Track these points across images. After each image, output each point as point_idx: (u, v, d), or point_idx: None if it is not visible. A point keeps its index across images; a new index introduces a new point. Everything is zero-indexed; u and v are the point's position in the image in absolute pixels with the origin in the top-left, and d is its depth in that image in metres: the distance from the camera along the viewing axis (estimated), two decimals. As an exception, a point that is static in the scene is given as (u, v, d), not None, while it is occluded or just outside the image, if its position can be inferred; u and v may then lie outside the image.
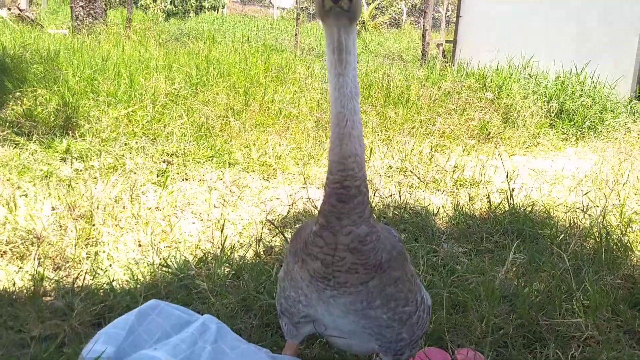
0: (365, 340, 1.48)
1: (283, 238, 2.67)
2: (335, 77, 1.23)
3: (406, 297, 1.42)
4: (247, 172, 3.87)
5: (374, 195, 3.33)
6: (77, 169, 3.39)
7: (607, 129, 5.75)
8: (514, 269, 2.43)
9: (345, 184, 1.26)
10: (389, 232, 1.45)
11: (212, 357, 1.53)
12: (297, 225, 2.95)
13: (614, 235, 2.52)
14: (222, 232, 2.57)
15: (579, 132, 5.66)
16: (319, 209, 1.32)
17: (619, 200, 3.03)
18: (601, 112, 5.93)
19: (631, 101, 6.60)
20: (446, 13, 13.53)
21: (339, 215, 1.27)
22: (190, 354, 1.52)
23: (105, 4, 10.90)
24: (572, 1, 8.18)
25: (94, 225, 2.57)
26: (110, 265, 2.36)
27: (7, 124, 3.82)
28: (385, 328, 1.42)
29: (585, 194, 3.02)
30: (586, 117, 5.76)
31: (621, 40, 7.40)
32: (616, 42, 7.48)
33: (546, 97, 6.03)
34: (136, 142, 3.80)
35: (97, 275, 2.23)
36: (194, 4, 14.79)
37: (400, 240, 1.45)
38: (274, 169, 3.95)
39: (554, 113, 5.79)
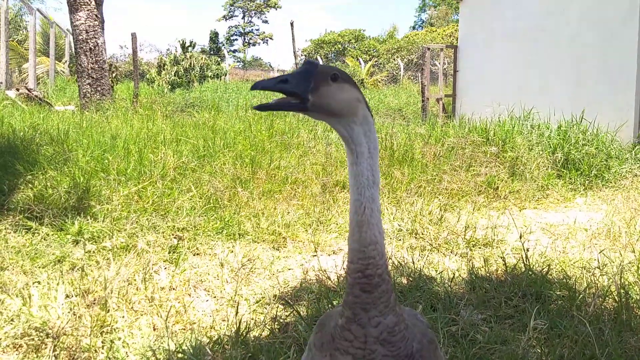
0: None
1: (297, 314, 2.64)
2: (351, 165, 1.24)
3: None
4: (257, 242, 3.87)
5: (388, 259, 3.30)
6: (90, 251, 3.39)
7: (615, 176, 5.76)
8: (535, 336, 2.38)
9: (367, 272, 1.25)
10: (415, 318, 1.43)
11: None
12: (312, 299, 2.92)
13: (633, 293, 2.48)
14: (236, 313, 2.54)
15: (586, 182, 5.66)
16: (342, 299, 1.31)
17: (635, 255, 2.99)
18: (606, 160, 5.95)
19: (635, 147, 6.63)
20: (443, 66, 13.84)
21: (364, 307, 1.25)
22: None
23: (111, 80, 11.23)
24: (570, 50, 8.35)
25: (108, 312, 2.55)
26: (127, 353, 2.33)
27: (19, 208, 3.86)
28: None
29: (601, 252, 2.99)
30: (592, 165, 5.77)
31: (621, 87, 7.51)
32: (616, 89, 7.59)
33: (550, 147, 6.07)
34: (147, 220, 3.82)
35: (112, 367, 2.20)
36: (197, 74, 15.22)
37: (428, 327, 1.43)
38: (283, 238, 3.94)
39: (560, 163, 5.81)
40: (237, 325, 2.44)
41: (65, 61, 17.76)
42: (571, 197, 5.28)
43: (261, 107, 1.09)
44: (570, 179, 5.65)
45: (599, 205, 4.95)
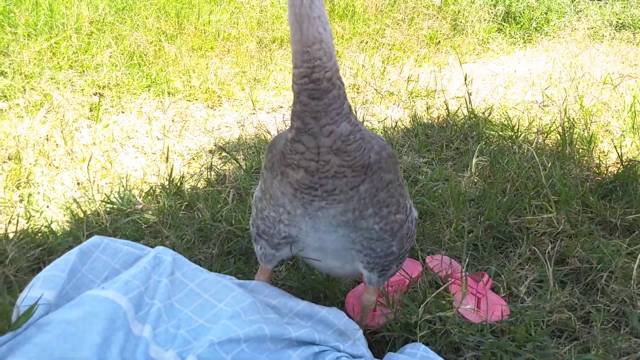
0: (349, 259, 1.37)
1: (236, 163, 2.49)
2: None
3: (397, 202, 1.30)
4: (190, 100, 3.61)
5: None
6: (1, 109, 3.05)
7: (553, 29, 5.71)
8: (478, 173, 2.36)
9: (314, 76, 1.08)
10: (375, 135, 1.30)
11: (169, 290, 1.38)
12: (250, 152, 2.78)
13: (577, 128, 2.46)
14: (167, 161, 2.36)
15: (526, 35, 5.59)
16: (291, 112, 1.15)
17: (577, 94, 2.97)
18: (546, 13, 5.87)
19: (574, 0, 6.54)
20: None
21: (314, 115, 1.11)
22: (145, 289, 1.36)
23: None
24: None
25: (23, 167, 2.31)
26: (47, 206, 2.14)
27: None
28: (376, 241, 1.31)
29: (545, 89, 2.95)
30: (532, 18, 5.68)
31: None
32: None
33: (492, 0, 5.89)
34: (63, 75, 3.45)
35: (32, 218, 2.01)
36: None
37: (388, 145, 1.31)
38: (218, 96, 3.70)
39: (501, 17, 5.68)
40: (170, 175, 2.27)
41: None
42: (511, 51, 5.22)
43: None
44: (511, 32, 5.55)
45: (538, 57, 4.91)
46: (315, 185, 1.17)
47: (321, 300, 1.66)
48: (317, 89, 1.09)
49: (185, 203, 2.14)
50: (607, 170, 2.21)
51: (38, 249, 1.74)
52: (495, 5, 5.80)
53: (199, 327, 1.33)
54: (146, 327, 1.29)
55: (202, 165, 2.57)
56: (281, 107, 3.65)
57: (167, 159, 2.41)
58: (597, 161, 2.28)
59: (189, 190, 2.27)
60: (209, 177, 2.39)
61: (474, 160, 2.34)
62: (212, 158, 2.63)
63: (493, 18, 5.65)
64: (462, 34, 5.29)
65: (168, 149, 2.59)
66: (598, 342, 1.47)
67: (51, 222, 1.96)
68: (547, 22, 5.75)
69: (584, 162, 2.27)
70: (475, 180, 2.32)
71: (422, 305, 1.51)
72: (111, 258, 1.46)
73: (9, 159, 2.35)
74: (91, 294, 1.30)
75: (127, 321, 1.28)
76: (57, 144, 2.64)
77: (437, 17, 5.36)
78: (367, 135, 1.21)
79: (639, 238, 1.81)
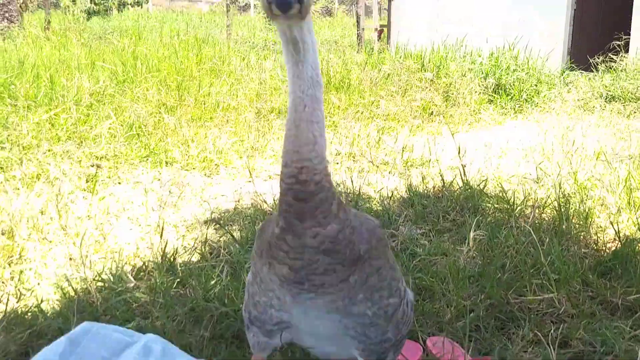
0: (345, 345, 1.32)
1: (231, 237, 2.47)
2: (293, 66, 1.07)
3: (389, 286, 1.26)
4: (187, 170, 3.63)
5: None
6: (-3, 181, 3.05)
7: (544, 100, 5.85)
8: (475, 247, 2.33)
9: (302, 178, 1.07)
10: (364, 218, 1.28)
11: (159, 382, 1.33)
12: (246, 223, 2.76)
13: (573, 204, 2.47)
14: (161, 236, 2.33)
15: (517, 106, 5.73)
16: (277, 206, 1.14)
17: (571, 169, 3.00)
18: (536, 85, 6.04)
19: (564, 72, 6.75)
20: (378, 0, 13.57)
21: (299, 216, 1.09)
22: (134, 380, 1.31)
23: (20, 6, 10.20)
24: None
25: (15, 242, 2.28)
26: (39, 283, 2.10)
27: None
28: (370, 327, 1.26)
29: (540, 164, 2.98)
30: (522, 90, 5.85)
31: (552, 14, 7.56)
32: (547, 16, 7.63)
33: (482, 73, 6.07)
34: (61, 147, 3.48)
35: (23, 296, 1.96)
36: (116, 1, 14.12)
37: (378, 225, 1.29)
38: (216, 165, 3.73)
39: (492, 89, 5.84)
40: (163, 249, 2.24)
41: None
42: (502, 121, 5.33)
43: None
44: (502, 103, 5.70)
45: (529, 127, 5.01)
46: (302, 280, 1.14)
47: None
48: (304, 190, 1.07)
49: (178, 280, 2.10)
50: (605, 246, 2.19)
51: (27, 332, 1.69)
52: (485, 78, 5.97)
53: (188, 421, 1.26)
54: (133, 422, 1.23)
55: (197, 239, 2.54)
56: (277, 174, 3.66)
57: (161, 234, 2.39)
58: (595, 237, 2.27)
59: (181, 265, 2.23)
60: (203, 250, 2.36)
61: (472, 234, 2.32)
62: (207, 231, 2.60)
63: (484, 90, 5.81)
64: (455, 105, 5.42)
65: (163, 222, 2.57)
66: None
67: (41, 301, 1.92)
68: (537, 94, 5.90)
69: (582, 238, 2.26)
70: (474, 255, 2.29)
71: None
72: (99, 346, 1.41)
73: (2, 234, 2.33)
74: (77, 386, 1.25)
75: (113, 416, 1.22)
76: (51, 218, 2.62)
77: (430, 89, 5.50)
78: (357, 223, 1.20)
79: (641, 318, 1.77)
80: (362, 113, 4.79)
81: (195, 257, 2.35)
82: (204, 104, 4.63)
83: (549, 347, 1.64)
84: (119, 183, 3.28)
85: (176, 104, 4.48)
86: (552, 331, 1.75)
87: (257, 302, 1.30)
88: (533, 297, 1.89)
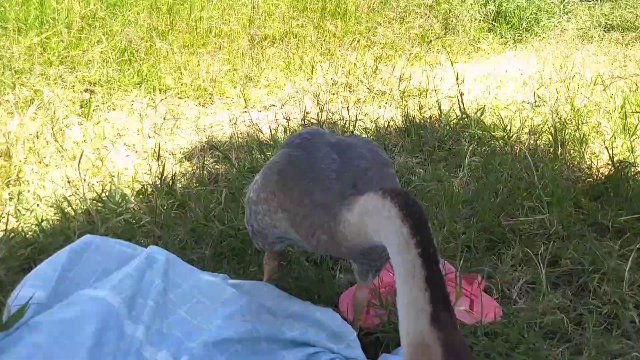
0: None
1: (229, 164, 2.48)
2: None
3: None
4: (181, 97, 3.59)
5: (321, 112, 3.15)
6: (-12, 106, 3.01)
7: (543, 29, 5.75)
8: (470, 173, 2.36)
9: None
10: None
11: (163, 291, 1.37)
12: (243, 151, 2.75)
13: (569, 129, 2.48)
14: (157, 158, 2.34)
15: (516, 35, 5.62)
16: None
17: (568, 96, 2.99)
18: (536, 13, 5.92)
19: (563, 1, 6.59)
20: None
21: None
22: (138, 289, 1.35)
23: None
24: None
25: (13, 164, 2.29)
26: (38, 204, 2.12)
27: None
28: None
29: (537, 89, 2.96)
30: (522, 18, 5.73)
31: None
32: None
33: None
34: (54, 71, 3.42)
35: (22, 216, 1.99)
36: None
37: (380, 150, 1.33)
38: (210, 94, 3.68)
39: (492, 16, 5.71)
40: (161, 172, 2.26)
41: None
42: (501, 50, 5.24)
43: None
44: (501, 32, 5.58)
45: (528, 57, 4.94)
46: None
47: (315, 301, 1.65)
48: None
49: (178, 202, 2.13)
50: (598, 171, 2.22)
51: (28, 248, 1.72)
52: (485, 5, 5.83)
53: (192, 328, 1.32)
54: (139, 327, 1.28)
55: (195, 164, 2.55)
56: (273, 105, 3.64)
57: (158, 157, 2.39)
58: (589, 162, 2.30)
59: (181, 189, 2.25)
60: (202, 176, 2.38)
61: (467, 161, 2.34)
62: (204, 157, 2.61)
63: (484, 17, 5.68)
64: (454, 33, 5.31)
65: (159, 147, 2.57)
66: (590, 344, 1.48)
67: (42, 220, 1.94)
68: (537, 23, 5.79)
69: (576, 163, 2.29)
70: (468, 181, 2.32)
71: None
72: (103, 257, 1.44)
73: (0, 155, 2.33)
74: (84, 294, 1.29)
75: (120, 321, 1.27)
76: (47, 142, 2.61)
77: (429, 16, 5.37)
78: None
79: (630, 240, 1.82)
80: (358, 41, 4.69)
81: (194, 183, 2.37)
82: (196, 29, 4.51)
83: (539, 264, 1.70)
84: (113, 109, 3.25)
85: (168, 29, 4.37)
86: (541, 251, 1.80)
87: (260, 219, 1.33)
88: (524, 219, 1.93)
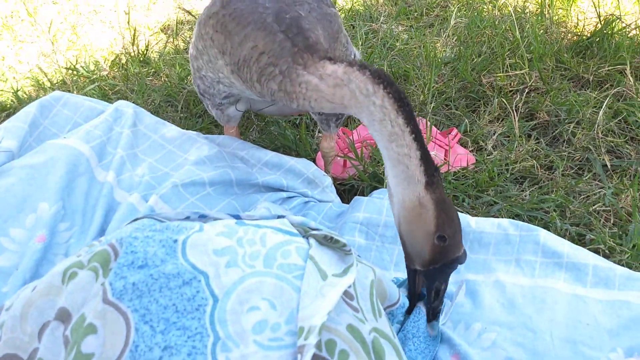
0: None
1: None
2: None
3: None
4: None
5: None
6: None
7: None
8: (455, 36, 2.30)
9: None
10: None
11: (132, 141, 1.38)
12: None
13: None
14: (128, 23, 2.28)
15: None
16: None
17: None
18: None
19: None
20: None
21: None
22: (107, 139, 1.36)
23: None
24: None
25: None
26: (14, 77, 2.09)
27: None
28: None
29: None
30: None
31: None
32: None
33: None
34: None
35: (-3, 87, 1.97)
36: None
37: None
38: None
39: None
40: (132, 41, 2.20)
41: None
42: None
43: None
44: None
45: None
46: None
47: (292, 158, 1.67)
48: None
49: (153, 70, 2.09)
50: (584, 28, 2.16)
51: (3, 113, 1.71)
52: None
53: (163, 175, 1.34)
54: (110, 174, 1.30)
55: (169, 35, 2.48)
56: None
57: (128, 22, 2.33)
58: (576, 21, 2.22)
59: (155, 58, 2.21)
60: (176, 45, 2.32)
61: (452, 22, 2.27)
62: (178, 27, 2.54)
63: None
64: None
65: (126, 13, 2.49)
66: (559, 186, 1.51)
67: (17, 90, 1.92)
68: None
69: (562, 21, 2.22)
70: (453, 45, 2.26)
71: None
72: (73, 112, 1.44)
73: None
74: (53, 142, 1.30)
75: (90, 167, 1.29)
76: (22, 19, 2.54)
77: None
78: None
79: (609, 90, 1.80)
80: None
81: (169, 51, 2.31)
82: None
83: (513, 113, 1.69)
84: (88, -13, 3.11)
85: None
86: (519, 104, 1.79)
87: (204, 76, 1.28)
88: (504, 74, 1.90)
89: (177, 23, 2.46)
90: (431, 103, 1.83)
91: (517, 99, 1.80)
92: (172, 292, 0.73)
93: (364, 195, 1.52)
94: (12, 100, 1.85)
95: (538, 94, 1.89)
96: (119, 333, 0.70)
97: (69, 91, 1.92)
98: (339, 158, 1.62)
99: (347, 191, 1.58)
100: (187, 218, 0.91)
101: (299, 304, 0.74)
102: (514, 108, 1.73)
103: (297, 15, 1.10)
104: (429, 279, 1.02)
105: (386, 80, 0.96)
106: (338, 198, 1.48)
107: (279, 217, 0.93)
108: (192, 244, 0.78)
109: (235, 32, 1.12)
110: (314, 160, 1.67)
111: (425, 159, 0.96)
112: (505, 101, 1.79)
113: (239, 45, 1.11)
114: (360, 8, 2.78)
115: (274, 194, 1.38)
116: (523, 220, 1.39)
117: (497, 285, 1.17)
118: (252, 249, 0.80)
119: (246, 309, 0.73)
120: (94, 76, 1.98)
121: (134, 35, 2.21)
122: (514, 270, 1.20)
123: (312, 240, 0.87)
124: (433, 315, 1.06)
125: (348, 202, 1.51)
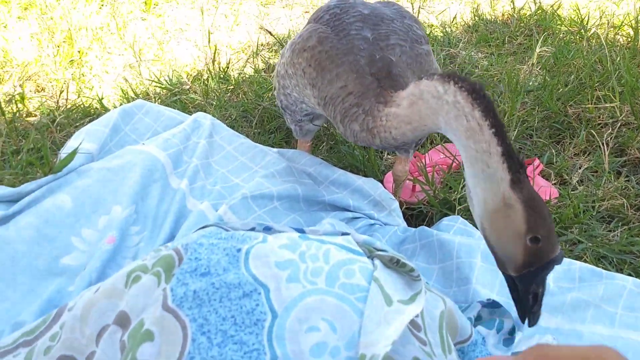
0: None
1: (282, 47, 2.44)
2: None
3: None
4: (243, -4, 3.54)
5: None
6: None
7: None
8: (540, 64, 2.20)
9: None
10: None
11: (207, 151, 1.40)
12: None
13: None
14: (209, 42, 2.34)
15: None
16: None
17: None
18: None
19: None
20: None
21: None
22: (184, 148, 1.38)
23: None
24: None
25: (76, 49, 2.36)
26: (100, 87, 2.19)
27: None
28: None
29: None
30: None
31: None
32: None
33: None
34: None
35: (83, 93, 2.06)
36: None
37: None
38: (272, -7, 3.60)
39: None
40: (213, 57, 2.26)
41: None
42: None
43: None
44: None
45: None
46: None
47: (360, 179, 1.63)
48: None
49: (231, 87, 2.13)
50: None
51: (87, 119, 1.79)
52: None
53: (234, 185, 1.34)
54: (183, 181, 1.32)
55: (250, 55, 2.54)
56: None
57: (209, 40, 2.40)
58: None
59: (235, 76, 2.26)
60: (256, 64, 2.36)
61: (537, 50, 2.18)
62: (259, 47, 2.59)
63: None
64: None
65: (209, 33, 2.57)
66: (651, 227, 1.38)
67: (102, 97, 2.01)
68: None
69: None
70: (537, 73, 2.17)
71: (464, 184, 1.45)
72: (153, 121, 1.48)
73: (63, 41, 2.40)
74: (131, 148, 1.34)
75: (165, 174, 1.31)
76: (111, 32, 2.67)
77: None
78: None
79: None
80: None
81: (249, 70, 2.36)
82: None
83: (603, 146, 1.58)
84: (177, 6, 3.25)
85: None
86: (608, 139, 1.67)
87: (289, 94, 1.31)
88: (593, 106, 1.79)
89: (257, 44, 2.51)
90: (513, 131, 1.75)
91: (607, 132, 1.69)
92: (232, 303, 0.71)
93: (432, 222, 1.46)
94: (95, 107, 1.93)
95: (629, 129, 1.77)
96: (175, 343, 0.68)
97: (150, 100, 1.99)
98: (408, 181, 1.57)
99: (414, 216, 1.52)
100: (253, 229, 0.89)
101: (360, 329, 0.70)
102: (604, 142, 1.62)
103: (389, 60, 1.11)
104: (523, 283, 0.93)
105: (456, 76, 0.90)
106: (404, 222, 1.42)
107: (344, 234, 0.89)
108: (255, 254, 0.75)
109: (328, 70, 1.15)
110: (381, 182, 1.63)
111: (508, 154, 0.86)
112: (594, 133, 1.68)
113: (329, 82, 1.13)
114: (439, 34, 2.74)
115: (339, 213, 1.35)
116: (610, 263, 1.28)
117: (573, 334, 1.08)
118: (314, 265, 0.76)
119: (305, 328, 0.69)
120: (176, 89, 2.04)
121: (215, 52, 2.27)
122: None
123: (377, 262, 0.82)
124: (534, 320, 0.96)
125: (415, 227, 1.45)
